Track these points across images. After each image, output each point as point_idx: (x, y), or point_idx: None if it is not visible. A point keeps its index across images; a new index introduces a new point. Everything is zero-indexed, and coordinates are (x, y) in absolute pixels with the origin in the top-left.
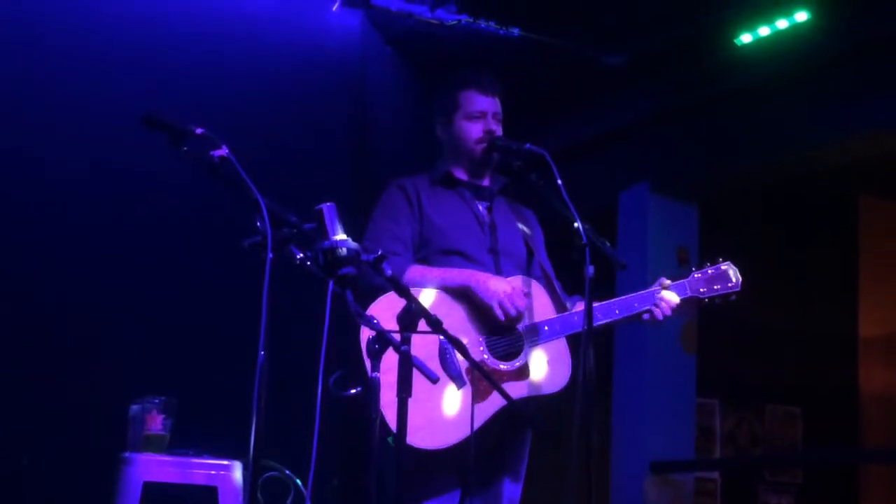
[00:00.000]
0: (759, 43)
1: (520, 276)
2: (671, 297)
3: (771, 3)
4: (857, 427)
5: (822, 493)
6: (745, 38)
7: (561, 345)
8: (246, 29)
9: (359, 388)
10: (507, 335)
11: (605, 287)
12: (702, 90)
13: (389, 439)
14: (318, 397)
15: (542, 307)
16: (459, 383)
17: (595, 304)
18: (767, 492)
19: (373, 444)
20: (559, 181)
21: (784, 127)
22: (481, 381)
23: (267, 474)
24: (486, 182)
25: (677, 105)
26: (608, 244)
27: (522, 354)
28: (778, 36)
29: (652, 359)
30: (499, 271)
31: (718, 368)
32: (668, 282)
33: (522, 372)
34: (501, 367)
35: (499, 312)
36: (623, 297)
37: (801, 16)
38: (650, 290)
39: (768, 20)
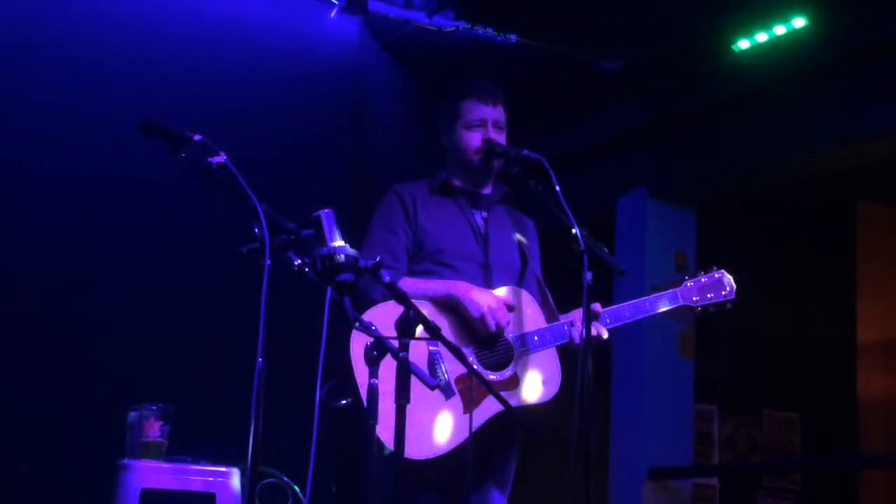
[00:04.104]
0: (757, 49)
1: (508, 286)
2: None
3: (769, 9)
4: (856, 433)
5: (821, 498)
6: (743, 44)
7: (551, 354)
8: (244, 35)
9: (350, 399)
10: (497, 345)
11: (603, 293)
12: (699, 96)
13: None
14: (315, 404)
15: (533, 317)
16: (447, 393)
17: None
18: (766, 497)
19: (370, 451)
20: (557, 187)
21: (782, 133)
22: (470, 391)
23: (265, 481)
24: (487, 190)
25: (675, 111)
26: (606, 250)
27: (512, 365)
28: (776, 42)
29: (650, 365)
30: (490, 282)
31: (717, 374)
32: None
33: (512, 382)
34: (491, 376)
35: (480, 326)
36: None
37: (799, 22)
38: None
39: (766, 26)
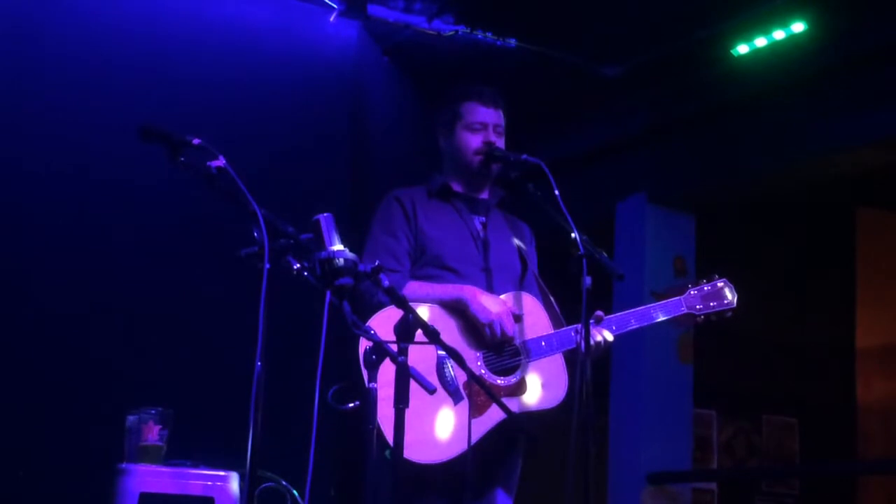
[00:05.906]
0: (756, 54)
1: (515, 292)
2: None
3: (768, 14)
4: (854, 438)
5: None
6: (742, 49)
7: (558, 361)
8: (244, 39)
9: (357, 402)
10: (505, 350)
11: (602, 298)
12: (699, 101)
13: (387, 453)
14: (314, 408)
15: (539, 322)
16: (457, 398)
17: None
18: (764, 502)
19: (369, 456)
20: (556, 191)
21: (781, 138)
22: (479, 395)
23: (264, 485)
24: (484, 195)
25: (674, 116)
26: (605, 255)
27: (519, 370)
28: (775, 47)
29: (649, 369)
30: (491, 287)
31: (715, 379)
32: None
33: (519, 387)
34: (498, 382)
35: (487, 332)
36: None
37: (798, 27)
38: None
39: (765, 31)
